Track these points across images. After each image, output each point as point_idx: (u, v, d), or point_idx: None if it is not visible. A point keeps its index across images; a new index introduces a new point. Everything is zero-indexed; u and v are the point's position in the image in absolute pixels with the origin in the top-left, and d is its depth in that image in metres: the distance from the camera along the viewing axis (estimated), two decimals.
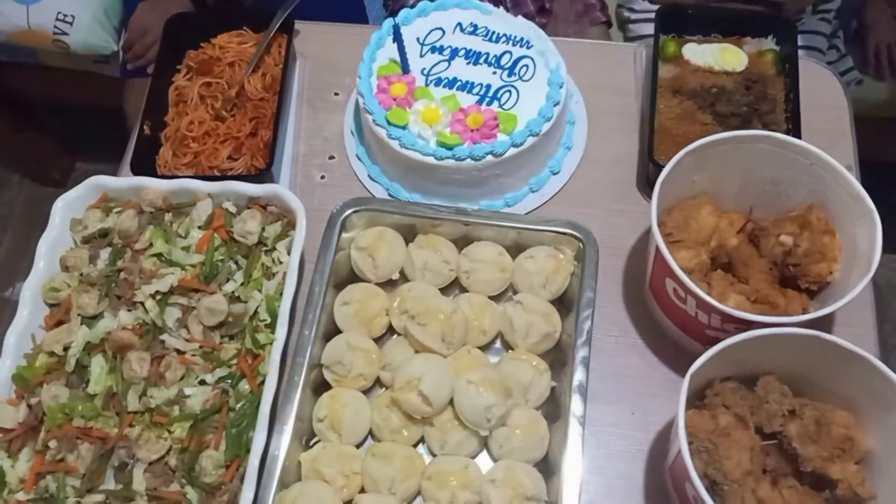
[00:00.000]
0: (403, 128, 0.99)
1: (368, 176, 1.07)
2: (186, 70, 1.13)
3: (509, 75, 1.03)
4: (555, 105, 0.98)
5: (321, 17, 1.22)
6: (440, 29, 1.08)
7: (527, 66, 1.04)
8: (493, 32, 1.07)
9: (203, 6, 1.35)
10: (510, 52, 1.05)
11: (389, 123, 1.00)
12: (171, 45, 1.14)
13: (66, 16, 1.41)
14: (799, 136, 0.96)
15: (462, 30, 1.08)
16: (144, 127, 1.06)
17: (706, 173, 0.88)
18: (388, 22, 1.07)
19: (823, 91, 1.09)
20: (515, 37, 1.06)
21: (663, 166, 0.83)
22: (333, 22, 1.25)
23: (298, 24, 1.16)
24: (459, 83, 1.03)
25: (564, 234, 0.91)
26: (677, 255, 0.81)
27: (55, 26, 1.42)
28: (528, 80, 1.02)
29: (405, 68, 1.04)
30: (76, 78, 1.57)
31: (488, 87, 1.02)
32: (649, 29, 1.14)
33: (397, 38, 1.07)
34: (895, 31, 1.45)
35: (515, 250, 0.94)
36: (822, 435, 0.75)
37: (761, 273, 0.83)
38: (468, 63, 1.05)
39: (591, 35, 1.45)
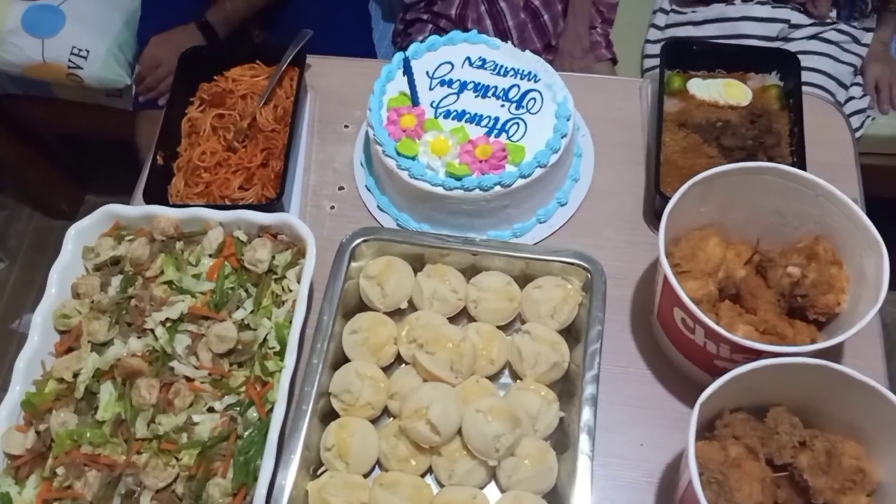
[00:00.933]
0: (413, 158, 1.01)
1: (377, 206, 1.08)
2: (199, 102, 1.15)
3: (517, 108, 1.05)
4: (562, 137, 1.00)
5: (332, 51, 1.25)
6: (449, 63, 1.10)
7: (534, 99, 1.05)
8: (502, 66, 1.09)
9: (215, 40, 1.38)
10: (518, 86, 1.07)
11: (399, 154, 1.01)
12: (185, 78, 1.17)
13: (80, 50, 1.44)
14: (804, 169, 0.97)
15: (471, 64, 1.10)
16: (157, 157, 1.08)
17: (713, 204, 0.89)
18: (399, 55, 1.09)
19: (827, 125, 1.11)
20: (523, 71, 1.08)
21: (670, 198, 0.84)
22: (342, 53, 1.27)
23: (310, 58, 1.18)
24: (468, 115, 1.05)
25: (572, 264, 0.92)
26: (685, 285, 0.81)
27: (70, 60, 1.44)
28: (535, 113, 1.04)
29: (415, 101, 1.06)
30: (88, 111, 1.59)
31: (496, 119, 1.03)
32: None
33: (407, 71, 1.08)
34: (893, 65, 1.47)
35: (523, 280, 0.95)
36: (833, 466, 0.74)
37: (769, 304, 0.83)
38: (477, 96, 1.07)
39: (597, 71, 1.48)
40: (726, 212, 0.90)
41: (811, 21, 1.43)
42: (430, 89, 1.07)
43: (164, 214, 0.94)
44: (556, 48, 1.49)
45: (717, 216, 0.90)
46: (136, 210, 0.95)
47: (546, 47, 1.49)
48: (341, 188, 1.11)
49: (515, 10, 1.48)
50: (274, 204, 1.01)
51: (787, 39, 1.44)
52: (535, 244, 1.03)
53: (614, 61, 1.52)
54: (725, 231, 0.91)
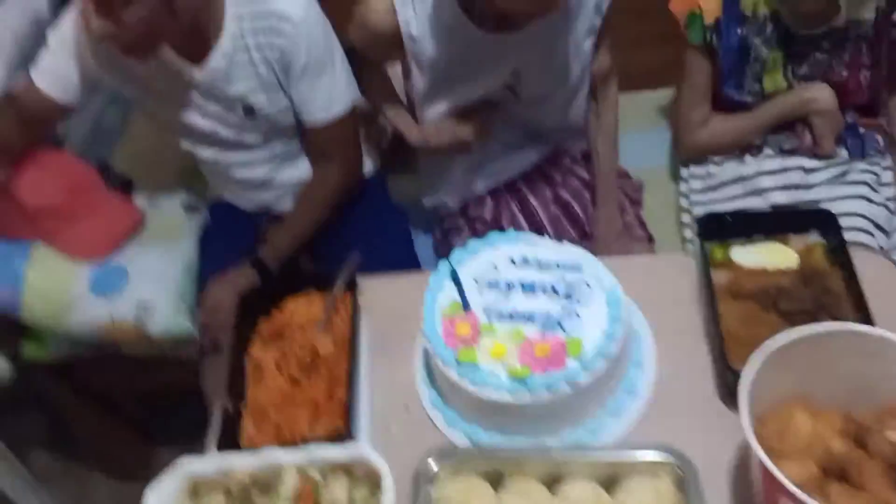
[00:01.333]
0: (474, 366, 1.01)
1: (445, 422, 1.07)
2: (260, 339, 1.19)
3: (567, 300, 1.06)
4: (618, 324, 1.00)
5: (376, 268, 1.29)
6: (493, 265, 1.13)
7: (582, 289, 1.07)
8: (544, 261, 1.12)
9: (269, 276, 1.44)
10: (563, 278, 1.09)
11: (459, 363, 1.01)
12: (244, 318, 1.21)
13: (145, 304, 1.51)
14: (871, 325, 0.95)
15: (514, 263, 1.13)
16: (225, 403, 1.09)
17: (791, 374, 0.86)
18: (444, 265, 1.13)
19: (880, 276, 1.09)
20: (566, 262, 1.11)
21: (740, 372, 0.82)
22: (388, 270, 1.32)
23: (359, 280, 1.22)
24: (521, 315, 1.06)
25: (659, 462, 0.88)
26: (783, 467, 0.77)
27: (136, 316, 1.51)
28: (586, 304, 1.05)
29: (466, 307, 1.08)
30: (154, 363, 1.63)
31: (549, 314, 1.04)
32: None
33: (455, 279, 1.11)
34: None
35: (607, 481, 0.91)
36: None
37: (878, 477, 0.78)
38: (525, 293, 1.08)
39: (636, 251, 1.51)
40: (807, 380, 0.87)
41: (826, 163, 1.46)
42: (480, 294, 1.09)
43: (238, 464, 0.94)
44: (590, 235, 1.53)
45: (797, 386, 0.87)
46: (210, 463, 0.95)
47: (582, 235, 1.53)
48: (407, 408, 1.10)
49: (546, 205, 1.54)
50: (344, 436, 1.00)
51: (808, 186, 1.45)
52: (614, 443, 1.00)
53: (651, 239, 1.56)
54: (811, 399, 0.87)
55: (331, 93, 1.42)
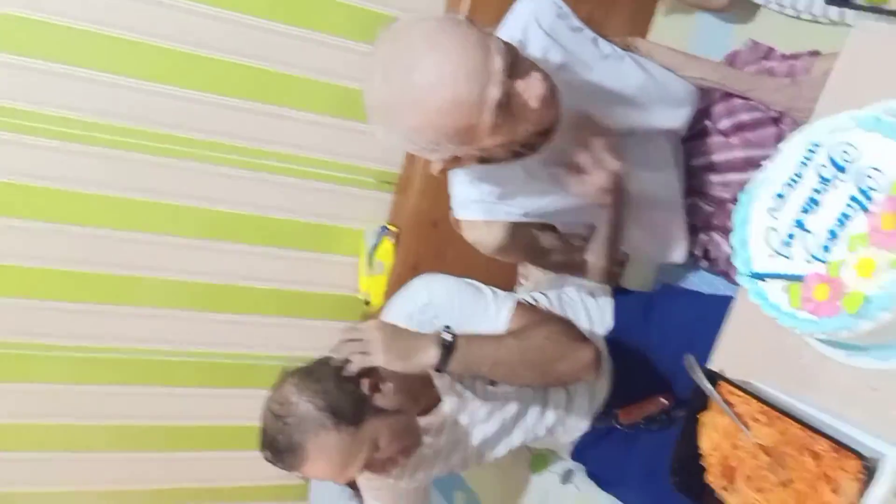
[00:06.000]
0: (869, 302, 0.87)
1: None
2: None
3: (844, 171, 0.93)
4: None
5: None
6: (766, 230, 1.02)
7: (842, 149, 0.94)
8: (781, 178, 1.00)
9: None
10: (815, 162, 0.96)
11: (857, 315, 0.88)
12: None
13: None
14: None
15: (772, 210, 1.02)
16: None
17: None
18: (743, 280, 1.03)
19: None
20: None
21: None
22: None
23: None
24: (838, 222, 0.93)
25: None
26: None
27: None
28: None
29: (797, 278, 0.96)
30: None
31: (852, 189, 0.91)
32: None
33: (760, 276, 1.01)
34: None
35: None
36: None
37: None
38: (816, 208, 0.96)
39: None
40: None
41: None
42: (789, 255, 0.98)
43: None
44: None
45: None
46: None
47: None
48: None
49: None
50: None
51: None
52: None
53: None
54: None
55: None
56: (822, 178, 0.96)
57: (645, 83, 1.41)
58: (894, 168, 0.88)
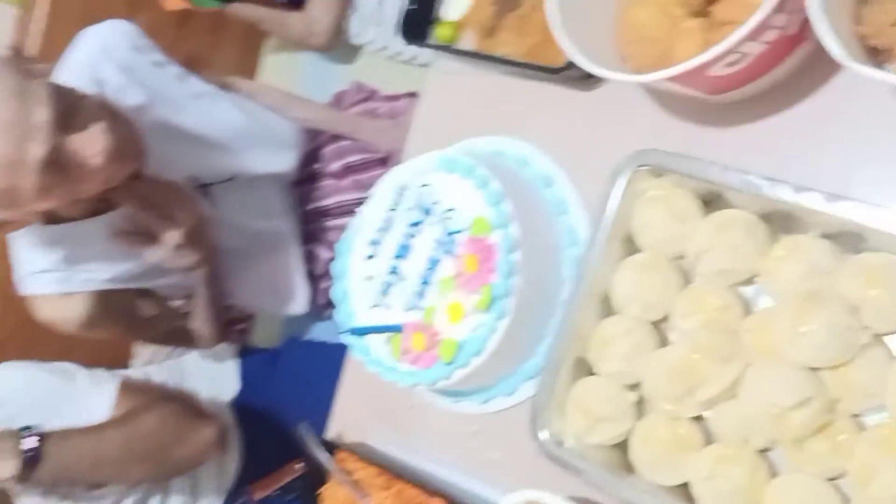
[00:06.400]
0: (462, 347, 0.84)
1: None
2: None
3: (431, 214, 0.90)
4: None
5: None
6: (364, 279, 0.96)
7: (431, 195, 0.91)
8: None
9: None
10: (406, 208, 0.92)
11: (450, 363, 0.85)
12: None
13: None
14: None
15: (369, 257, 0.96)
16: None
17: None
18: (347, 338, 0.96)
19: None
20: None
21: None
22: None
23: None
24: (429, 271, 0.89)
25: None
26: None
27: None
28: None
29: (396, 329, 0.91)
30: None
31: (437, 240, 0.88)
32: None
33: (360, 331, 0.95)
34: None
35: None
36: None
37: None
38: (406, 257, 0.92)
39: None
40: None
41: None
42: (389, 308, 0.92)
43: None
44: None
45: None
46: None
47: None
48: None
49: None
50: None
51: None
52: None
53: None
54: None
55: None
56: (411, 221, 0.92)
57: (244, 124, 1.29)
58: (472, 209, 0.86)
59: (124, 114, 1.14)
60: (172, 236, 1.13)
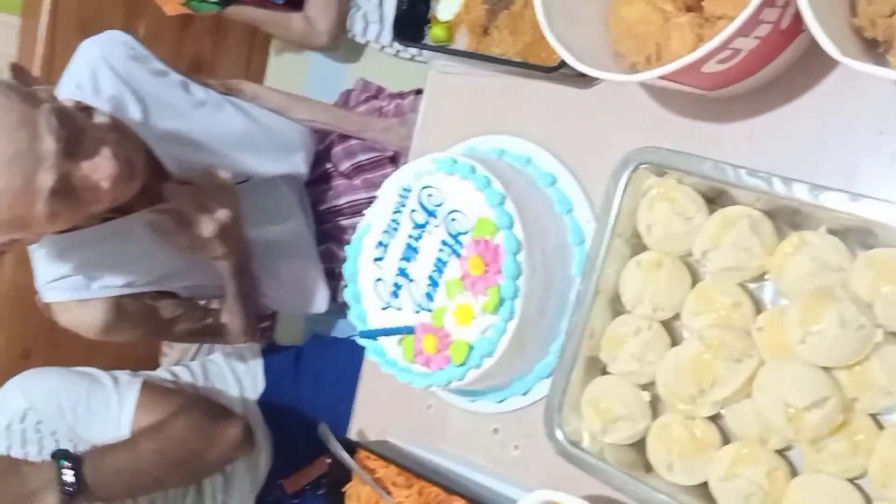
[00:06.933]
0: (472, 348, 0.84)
1: None
2: None
3: (435, 216, 0.89)
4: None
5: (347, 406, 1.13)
6: (373, 280, 0.96)
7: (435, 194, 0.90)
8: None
9: None
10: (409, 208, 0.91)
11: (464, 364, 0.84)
12: None
13: None
14: None
15: (377, 260, 0.95)
16: None
17: None
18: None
19: None
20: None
21: None
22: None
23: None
24: (438, 270, 0.88)
25: None
26: None
27: None
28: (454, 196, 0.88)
29: (409, 331, 0.90)
30: None
31: (443, 241, 0.87)
32: None
33: (370, 334, 0.95)
34: None
35: None
36: None
37: None
38: (415, 256, 0.91)
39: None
40: None
41: None
42: (400, 309, 0.92)
43: None
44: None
45: None
46: None
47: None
48: None
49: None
50: None
51: None
52: None
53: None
54: None
55: None
56: (416, 223, 0.91)
57: (249, 129, 1.29)
58: (475, 210, 0.85)
59: (132, 129, 1.14)
60: (208, 228, 1.13)
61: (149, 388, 1.30)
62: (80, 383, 1.27)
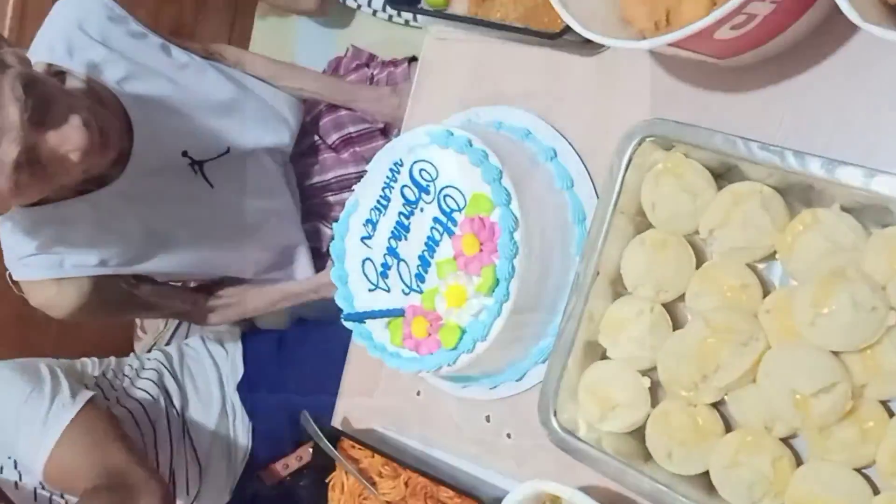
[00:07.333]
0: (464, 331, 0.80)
1: None
2: None
3: (428, 193, 0.85)
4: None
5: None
6: (360, 261, 0.92)
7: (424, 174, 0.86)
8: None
9: None
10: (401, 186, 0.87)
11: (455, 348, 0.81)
12: None
13: None
14: None
15: (364, 240, 0.92)
16: None
17: None
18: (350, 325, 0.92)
19: None
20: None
21: None
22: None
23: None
24: (429, 249, 0.85)
25: None
26: None
27: None
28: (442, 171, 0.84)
29: (398, 313, 0.86)
30: None
31: (436, 218, 0.83)
32: None
33: (357, 317, 0.90)
34: None
35: None
36: None
37: None
38: (404, 236, 0.87)
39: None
40: None
41: None
42: (389, 291, 0.88)
43: None
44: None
45: None
46: None
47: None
48: None
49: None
50: None
51: None
52: None
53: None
54: None
55: None
56: (407, 200, 0.87)
57: (234, 96, 1.23)
58: (470, 185, 0.81)
59: (108, 94, 1.09)
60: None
61: (83, 415, 1.12)
62: (23, 379, 1.11)
